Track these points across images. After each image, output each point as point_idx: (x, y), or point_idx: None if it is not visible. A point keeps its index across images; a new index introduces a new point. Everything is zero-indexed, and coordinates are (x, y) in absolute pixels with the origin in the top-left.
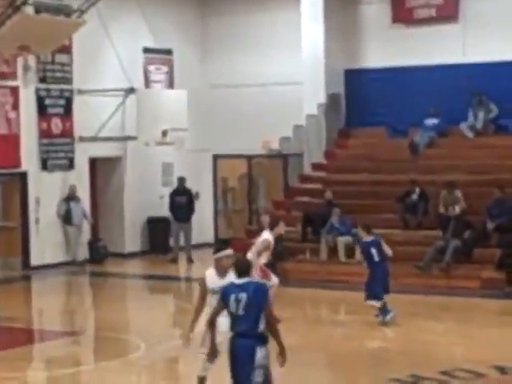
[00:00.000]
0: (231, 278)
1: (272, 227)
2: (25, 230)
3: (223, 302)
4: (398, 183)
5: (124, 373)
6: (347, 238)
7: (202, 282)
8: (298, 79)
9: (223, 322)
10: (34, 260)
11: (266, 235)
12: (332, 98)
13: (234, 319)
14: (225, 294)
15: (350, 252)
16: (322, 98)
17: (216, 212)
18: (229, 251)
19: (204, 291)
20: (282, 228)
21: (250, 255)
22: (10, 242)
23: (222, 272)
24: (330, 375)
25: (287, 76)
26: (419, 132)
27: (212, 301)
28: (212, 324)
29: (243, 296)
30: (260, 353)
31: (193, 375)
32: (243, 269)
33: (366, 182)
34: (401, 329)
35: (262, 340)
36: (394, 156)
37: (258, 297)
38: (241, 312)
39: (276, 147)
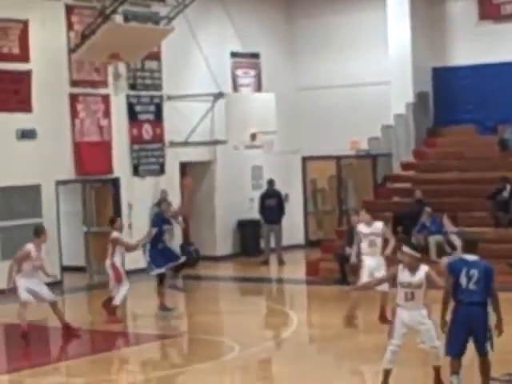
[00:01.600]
0: None
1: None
2: None
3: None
4: (488, 181)
5: (218, 374)
6: (438, 237)
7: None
8: (386, 78)
9: None
10: (128, 264)
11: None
12: (420, 97)
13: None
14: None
15: (441, 251)
16: (409, 96)
17: (306, 214)
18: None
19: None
20: None
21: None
22: (104, 247)
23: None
24: (421, 372)
25: (374, 76)
26: (509, 128)
27: None
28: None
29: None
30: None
31: (287, 376)
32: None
33: (456, 180)
34: None
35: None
36: (484, 153)
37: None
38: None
39: (364, 147)
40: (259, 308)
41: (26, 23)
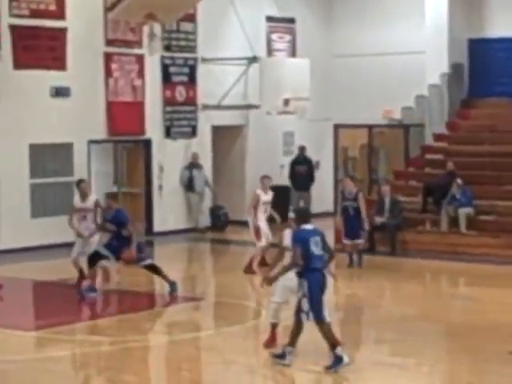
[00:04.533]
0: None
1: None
2: (148, 197)
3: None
4: None
5: (245, 338)
6: (468, 209)
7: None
8: (421, 48)
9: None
10: (157, 226)
11: None
12: (455, 68)
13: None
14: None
15: (470, 223)
16: (444, 67)
17: (336, 181)
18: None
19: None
20: None
21: None
22: (133, 207)
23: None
24: (448, 345)
25: (410, 45)
26: None
27: None
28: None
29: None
30: None
31: (310, 342)
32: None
33: (488, 153)
34: None
35: None
36: None
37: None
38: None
39: (397, 117)
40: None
41: None
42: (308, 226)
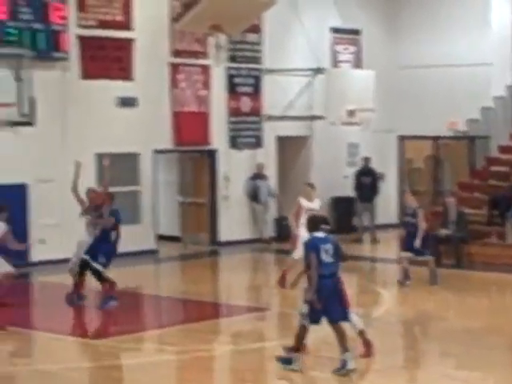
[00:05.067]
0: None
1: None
2: (213, 207)
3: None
4: None
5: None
6: None
7: None
8: (487, 60)
9: None
10: (222, 236)
11: None
12: None
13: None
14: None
15: None
16: (510, 79)
17: (400, 193)
18: None
19: None
20: None
21: None
22: (199, 217)
23: None
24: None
25: (475, 57)
26: None
27: None
28: None
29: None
30: None
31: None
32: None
33: None
34: None
35: None
36: None
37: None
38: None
39: (462, 129)
40: (351, 285)
41: None
42: (319, 234)
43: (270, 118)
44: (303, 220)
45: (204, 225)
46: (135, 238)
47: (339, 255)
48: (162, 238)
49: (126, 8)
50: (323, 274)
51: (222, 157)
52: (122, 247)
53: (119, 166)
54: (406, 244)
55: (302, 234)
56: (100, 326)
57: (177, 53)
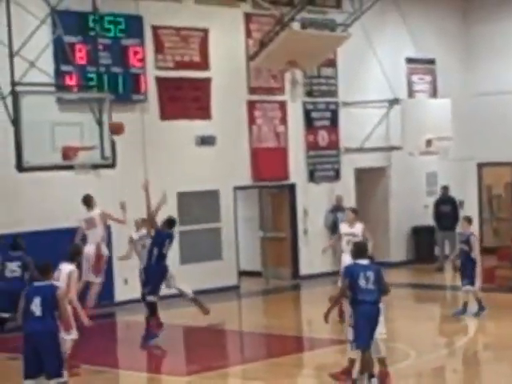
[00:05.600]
0: None
1: None
2: (294, 241)
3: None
4: None
5: (394, 381)
6: None
7: None
8: None
9: None
10: (303, 269)
11: None
12: None
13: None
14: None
15: None
16: None
17: (481, 220)
18: None
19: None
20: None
21: None
22: (279, 252)
23: None
24: None
25: None
26: None
27: None
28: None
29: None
30: None
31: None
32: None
33: None
34: None
35: None
36: None
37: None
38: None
39: None
40: (434, 315)
41: (206, 31)
42: (362, 261)
43: (348, 150)
44: (343, 244)
45: (285, 259)
46: (217, 274)
47: (381, 284)
48: (243, 273)
49: (203, 48)
50: (362, 299)
51: (301, 191)
52: (204, 284)
53: (200, 204)
54: (461, 274)
55: (344, 257)
56: (185, 362)
57: (253, 90)
